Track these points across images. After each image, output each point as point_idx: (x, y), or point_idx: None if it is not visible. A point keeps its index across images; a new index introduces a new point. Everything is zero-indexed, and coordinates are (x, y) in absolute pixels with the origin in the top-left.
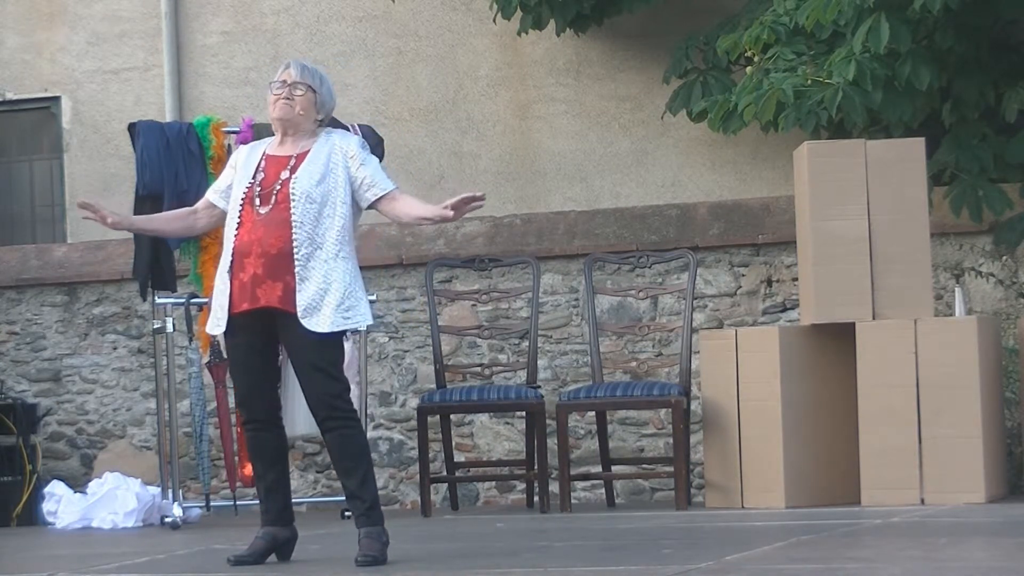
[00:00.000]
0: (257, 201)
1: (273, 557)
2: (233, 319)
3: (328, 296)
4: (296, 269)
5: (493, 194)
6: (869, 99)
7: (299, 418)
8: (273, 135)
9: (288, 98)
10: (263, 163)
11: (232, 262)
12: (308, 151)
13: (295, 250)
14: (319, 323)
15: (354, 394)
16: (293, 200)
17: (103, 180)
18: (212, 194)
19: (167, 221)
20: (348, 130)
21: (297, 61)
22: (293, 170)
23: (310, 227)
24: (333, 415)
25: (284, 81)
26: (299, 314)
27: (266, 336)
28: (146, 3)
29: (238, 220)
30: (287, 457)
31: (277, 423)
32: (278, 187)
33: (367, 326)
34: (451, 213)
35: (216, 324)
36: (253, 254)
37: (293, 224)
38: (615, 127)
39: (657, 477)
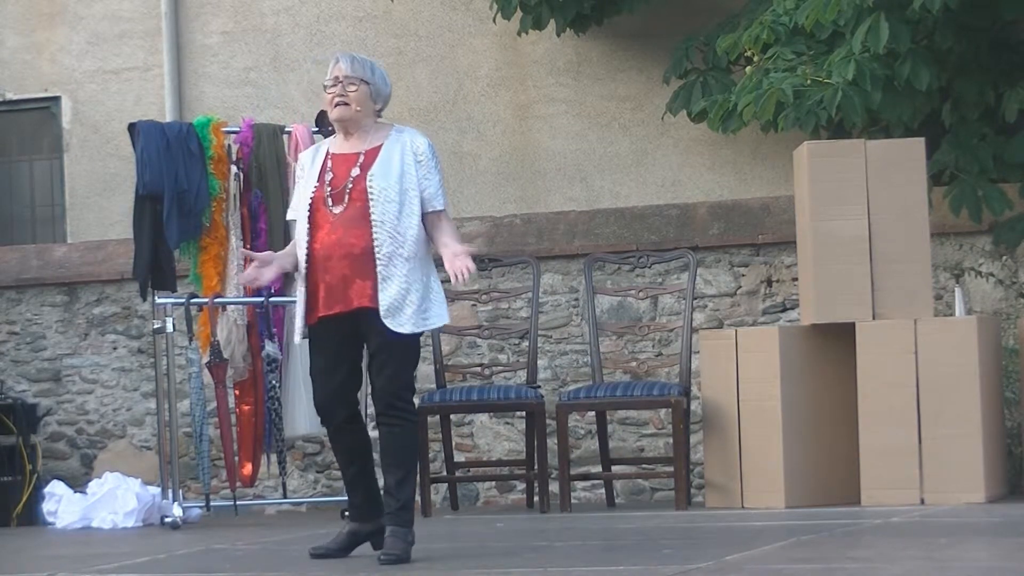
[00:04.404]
0: (329, 202)
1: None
2: (323, 322)
3: (409, 296)
4: (378, 268)
5: (493, 194)
6: (868, 99)
7: (299, 418)
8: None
9: (343, 96)
10: (329, 163)
11: (312, 267)
12: (379, 147)
13: (376, 249)
14: (400, 324)
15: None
16: (372, 198)
17: (103, 180)
18: (291, 214)
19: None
20: None
21: (346, 54)
22: (364, 167)
23: (391, 225)
24: (388, 411)
25: (336, 78)
26: (381, 313)
27: (355, 337)
28: (146, 3)
29: (309, 224)
30: (369, 453)
31: (355, 421)
32: (350, 185)
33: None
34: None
35: (299, 332)
36: (336, 255)
37: (373, 223)
38: (615, 127)
39: (657, 477)
